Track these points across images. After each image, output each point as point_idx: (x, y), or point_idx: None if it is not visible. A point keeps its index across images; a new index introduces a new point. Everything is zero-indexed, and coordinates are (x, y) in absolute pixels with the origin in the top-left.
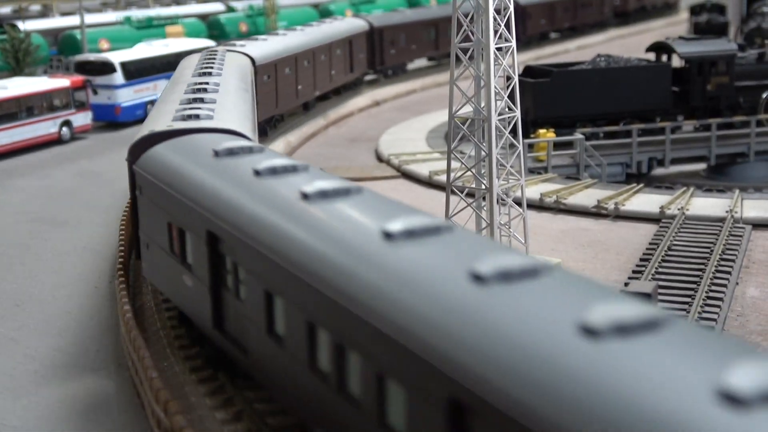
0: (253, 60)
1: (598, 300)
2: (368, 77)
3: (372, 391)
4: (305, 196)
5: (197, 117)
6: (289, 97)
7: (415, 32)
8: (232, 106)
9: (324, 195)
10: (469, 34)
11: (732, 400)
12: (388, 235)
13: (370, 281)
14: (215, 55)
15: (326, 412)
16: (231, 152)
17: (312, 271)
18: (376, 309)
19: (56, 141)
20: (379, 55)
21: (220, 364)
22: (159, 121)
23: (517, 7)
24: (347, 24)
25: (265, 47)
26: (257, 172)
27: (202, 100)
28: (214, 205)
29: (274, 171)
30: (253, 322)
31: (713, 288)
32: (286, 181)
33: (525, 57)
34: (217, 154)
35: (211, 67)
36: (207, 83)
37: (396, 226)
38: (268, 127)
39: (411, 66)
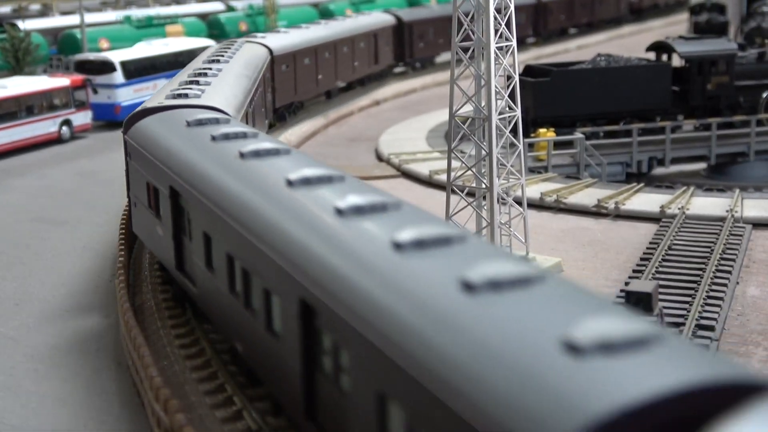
0: (271, 50)
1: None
2: (397, 69)
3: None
4: (242, 155)
5: (186, 96)
6: (308, 85)
7: (442, 26)
8: (225, 88)
9: (258, 154)
10: (470, 33)
11: None
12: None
13: (274, 220)
14: (231, 45)
15: (241, 327)
16: (200, 123)
17: (233, 214)
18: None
19: (56, 140)
20: (408, 48)
21: (183, 301)
22: (155, 99)
23: (537, 3)
24: (373, 19)
25: (284, 39)
26: (213, 138)
27: (197, 83)
28: (176, 165)
29: (227, 137)
30: (198, 259)
31: (714, 287)
32: (236, 144)
33: (540, 53)
34: (188, 124)
35: (222, 56)
36: (210, 69)
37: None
38: (287, 113)
39: (439, 59)
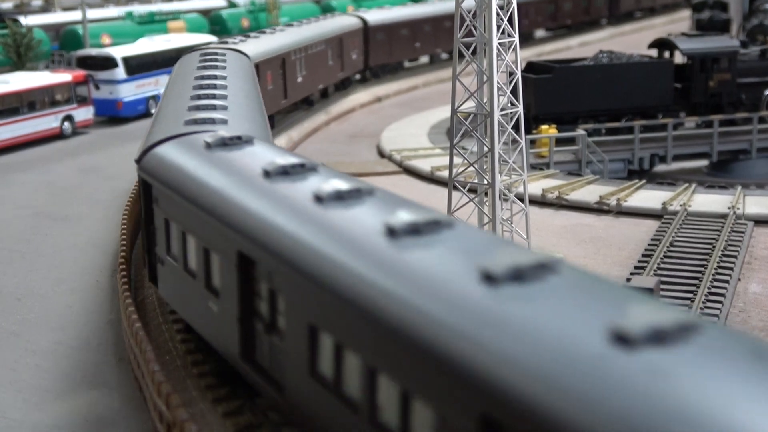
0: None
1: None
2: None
3: None
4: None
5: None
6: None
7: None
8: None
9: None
10: (472, 29)
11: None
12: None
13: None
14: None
15: None
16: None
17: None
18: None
19: (58, 136)
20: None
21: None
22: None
23: None
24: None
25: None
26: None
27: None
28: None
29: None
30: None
31: (715, 284)
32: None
33: (541, 50)
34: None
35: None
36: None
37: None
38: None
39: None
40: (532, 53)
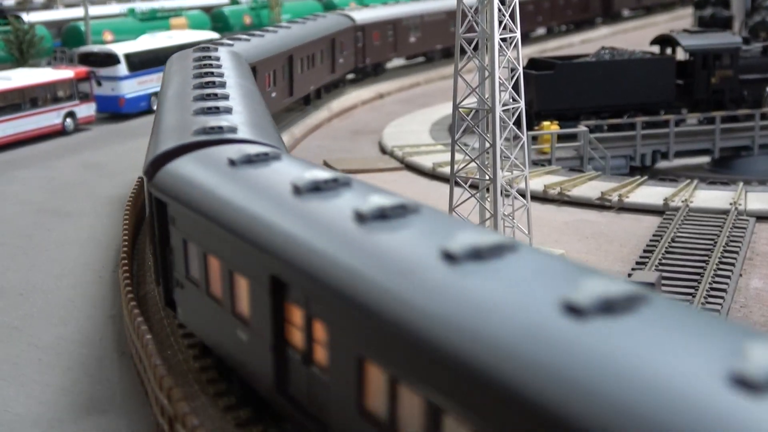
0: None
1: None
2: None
3: None
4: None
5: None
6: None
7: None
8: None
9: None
10: (474, 24)
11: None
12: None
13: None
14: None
15: None
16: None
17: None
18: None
19: (60, 132)
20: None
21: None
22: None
23: None
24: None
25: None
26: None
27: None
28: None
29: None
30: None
31: (717, 279)
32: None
33: (544, 47)
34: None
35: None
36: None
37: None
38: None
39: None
40: (534, 50)
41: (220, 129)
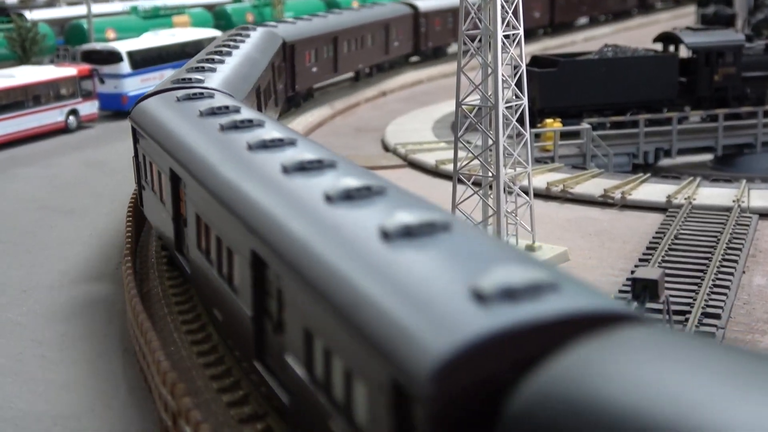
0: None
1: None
2: None
3: None
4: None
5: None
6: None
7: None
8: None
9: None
10: (477, 21)
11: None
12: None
13: None
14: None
15: None
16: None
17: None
18: None
19: (63, 130)
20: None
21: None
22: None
23: None
24: None
25: None
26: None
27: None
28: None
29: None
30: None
31: (720, 276)
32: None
33: (546, 44)
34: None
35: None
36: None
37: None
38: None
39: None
40: (537, 48)
41: (190, 80)
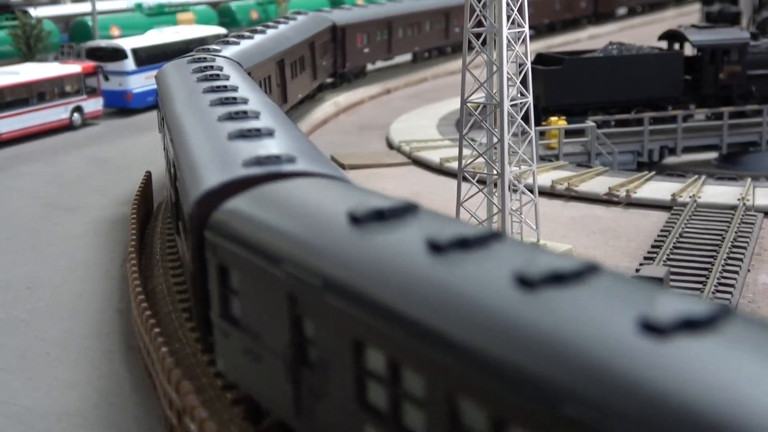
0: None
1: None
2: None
3: None
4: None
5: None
6: None
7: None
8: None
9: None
10: (482, 19)
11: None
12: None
13: None
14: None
15: None
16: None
17: None
18: None
19: (67, 127)
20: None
21: None
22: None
23: None
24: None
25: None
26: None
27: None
28: None
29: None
30: None
31: (725, 274)
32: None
33: (551, 42)
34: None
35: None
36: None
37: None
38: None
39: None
40: (542, 45)
41: (209, 50)
